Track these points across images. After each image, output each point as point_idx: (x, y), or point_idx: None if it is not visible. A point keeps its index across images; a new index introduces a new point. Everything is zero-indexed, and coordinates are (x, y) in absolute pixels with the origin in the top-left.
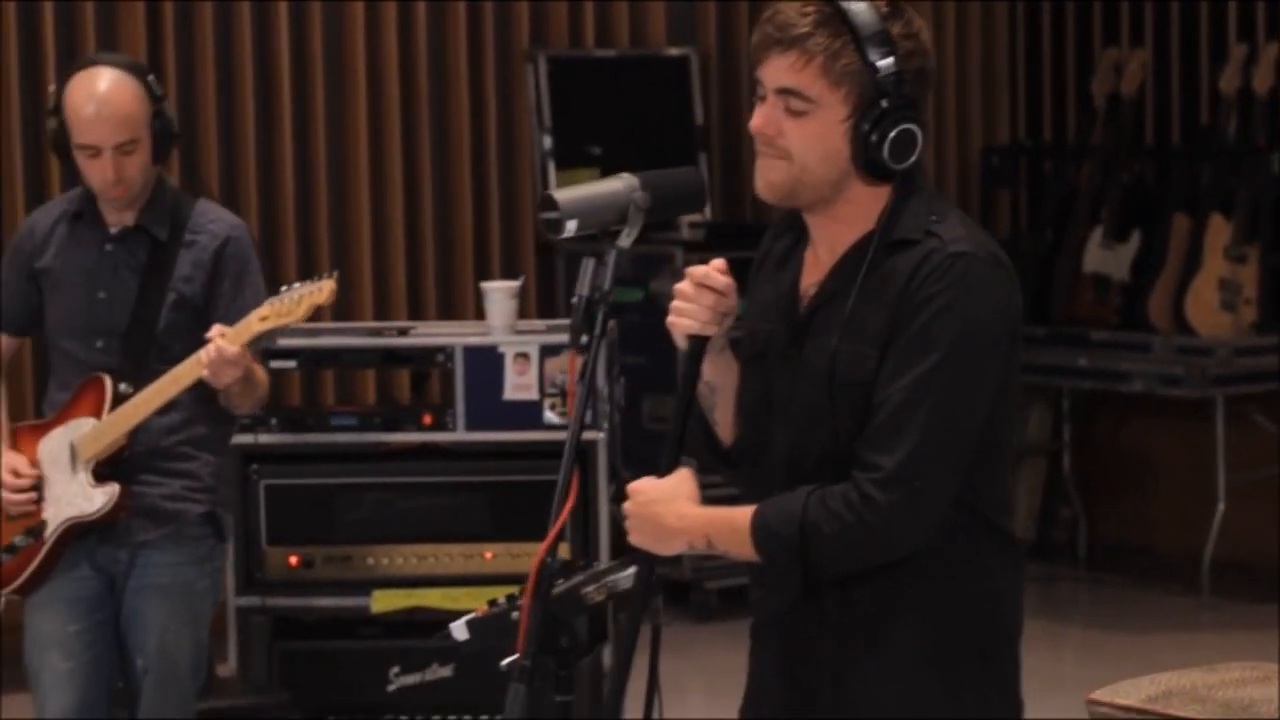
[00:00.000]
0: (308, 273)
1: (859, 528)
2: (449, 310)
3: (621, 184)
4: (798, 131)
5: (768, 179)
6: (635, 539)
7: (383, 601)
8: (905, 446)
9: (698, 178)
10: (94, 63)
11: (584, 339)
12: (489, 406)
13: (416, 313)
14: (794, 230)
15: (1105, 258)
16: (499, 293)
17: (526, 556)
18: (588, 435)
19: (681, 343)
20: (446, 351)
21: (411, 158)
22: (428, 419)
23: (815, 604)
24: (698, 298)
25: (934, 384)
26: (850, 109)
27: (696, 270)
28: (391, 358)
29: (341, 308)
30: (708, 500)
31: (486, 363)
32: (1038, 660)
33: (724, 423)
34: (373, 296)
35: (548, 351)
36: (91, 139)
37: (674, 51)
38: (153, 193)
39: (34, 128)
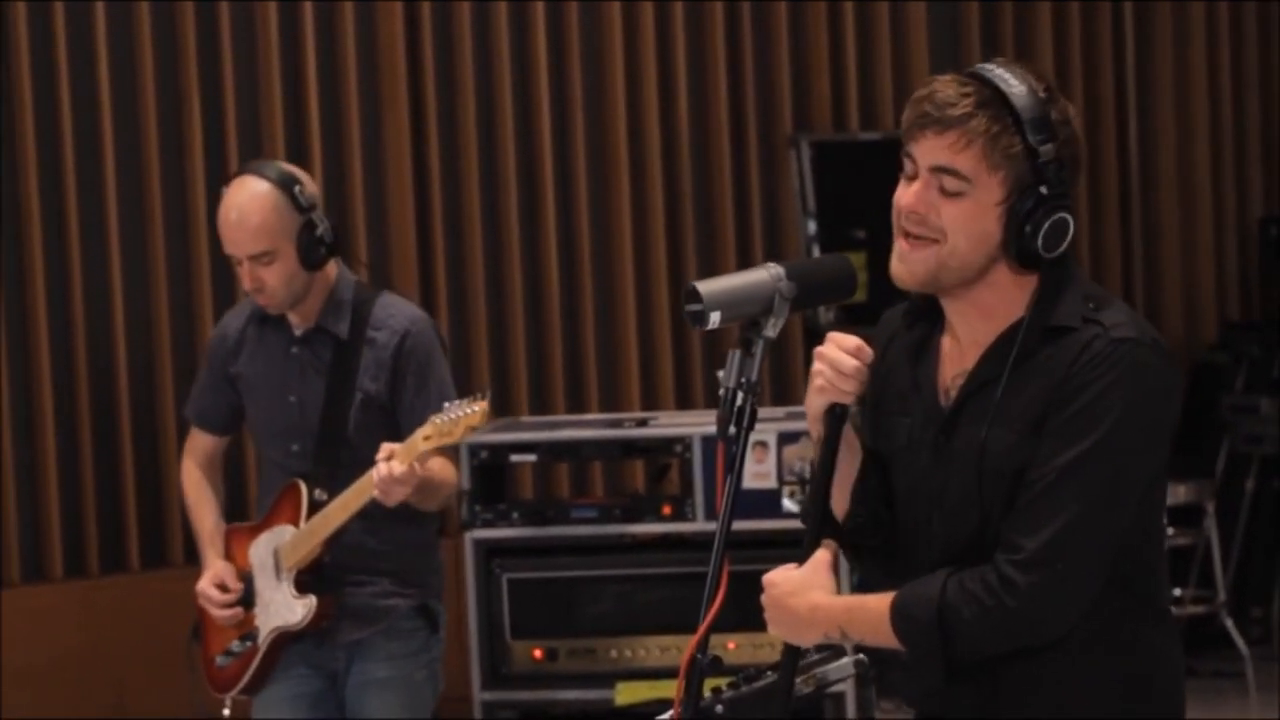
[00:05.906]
0: (572, 358)
1: (998, 611)
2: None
3: (767, 274)
4: (951, 210)
5: (911, 264)
6: (772, 629)
7: (627, 694)
8: (1050, 528)
9: (846, 266)
10: (244, 172)
11: (731, 430)
12: None
13: (683, 402)
14: (927, 319)
15: None
16: None
17: (769, 647)
18: None
19: (819, 411)
20: (684, 441)
21: (676, 244)
22: (667, 510)
23: (958, 687)
24: (843, 366)
25: (1089, 466)
26: (1006, 192)
27: (844, 339)
28: (631, 449)
29: (608, 400)
30: None
31: None
32: None
33: (838, 497)
34: (639, 386)
35: (785, 439)
36: (230, 249)
37: None
38: (330, 292)
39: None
